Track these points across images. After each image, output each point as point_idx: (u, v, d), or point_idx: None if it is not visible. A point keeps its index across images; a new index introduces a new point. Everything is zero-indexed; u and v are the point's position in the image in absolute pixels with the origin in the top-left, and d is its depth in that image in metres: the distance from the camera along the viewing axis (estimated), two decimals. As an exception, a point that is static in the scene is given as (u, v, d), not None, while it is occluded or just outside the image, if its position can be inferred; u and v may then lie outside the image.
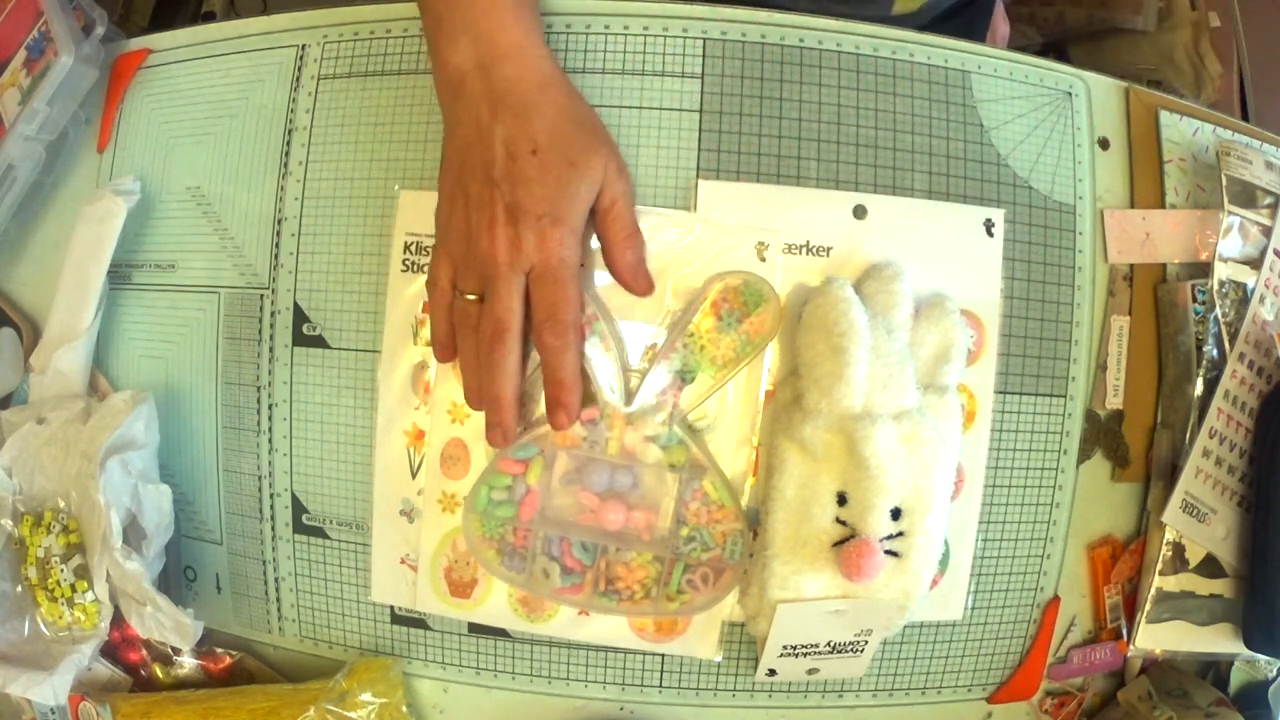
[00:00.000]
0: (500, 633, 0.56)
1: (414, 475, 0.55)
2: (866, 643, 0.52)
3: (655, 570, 0.52)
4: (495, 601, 0.55)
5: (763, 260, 0.52)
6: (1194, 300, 0.56)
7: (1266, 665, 0.61)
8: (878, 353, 0.48)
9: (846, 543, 0.48)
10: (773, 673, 0.53)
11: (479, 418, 0.52)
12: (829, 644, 0.52)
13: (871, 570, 0.47)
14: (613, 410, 0.51)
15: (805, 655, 0.52)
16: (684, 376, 0.51)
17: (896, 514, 0.49)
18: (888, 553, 0.48)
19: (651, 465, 0.51)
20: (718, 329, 0.51)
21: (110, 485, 0.53)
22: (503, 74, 0.47)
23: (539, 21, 0.51)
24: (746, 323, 0.51)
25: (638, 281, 0.51)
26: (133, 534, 0.54)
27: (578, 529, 0.52)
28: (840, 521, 0.49)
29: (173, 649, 0.59)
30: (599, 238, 0.51)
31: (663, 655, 0.56)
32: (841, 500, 0.49)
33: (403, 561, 0.55)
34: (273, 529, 0.58)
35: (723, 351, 0.51)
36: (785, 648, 0.51)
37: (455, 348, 0.50)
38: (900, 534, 0.49)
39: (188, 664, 0.59)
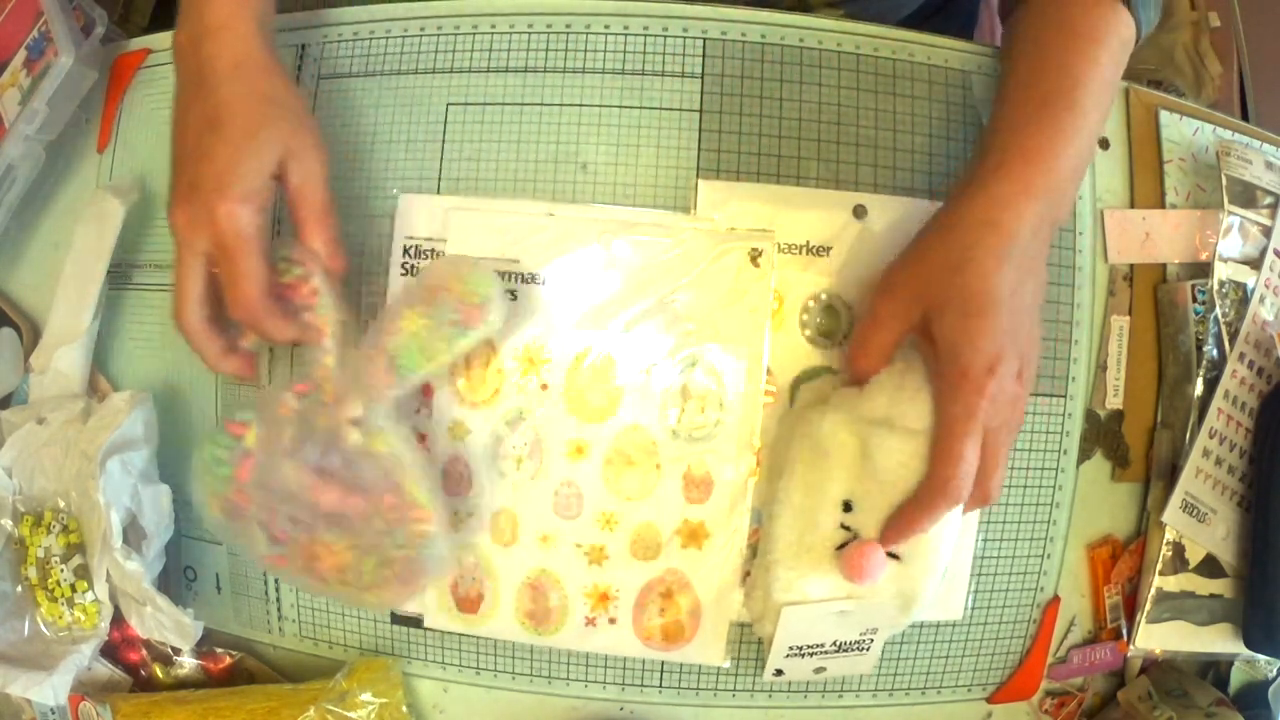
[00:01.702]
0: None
1: None
2: (872, 640, 0.52)
3: (352, 559, 0.49)
4: (503, 616, 0.54)
5: (756, 266, 0.52)
6: (1194, 300, 0.56)
7: (1266, 665, 0.61)
8: (910, 367, 0.48)
9: (848, 545, 0.49)
10: (780, 673, 0.53)
11: (480, 435, 0.53)
12: (835, 643, 0.52)
13: (873, 572, 0.48)
14: (326, 388, 0.49)
15: (812, 655, 0.52)
16: (394, 364, 0.48)
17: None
18: (889, 555, 0.48)
19: (356, 450, 0.48)
20: (430, 317, 0.48)
21: (110, 485, 0.53)
22: (206, 51, 0.47)
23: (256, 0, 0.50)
24: (460, 313, 0.48)
25: (332, 261, 0.50)
26: (132, 534, 0.54)
27: (288, 501, 0.49)
28: (844, 527, 0.49)
29: (173, 649, 0.59)
30: (290, 213, 0.49)
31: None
32: (847, 507, 0.49)
33: None
34: (273, 529, 0.58)
35: (434, 343, 0.48)
36: (792, 649, 0.51)
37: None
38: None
39: (188, 664, 0.59)
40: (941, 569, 0.50)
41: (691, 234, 0.53)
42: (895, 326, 0.47)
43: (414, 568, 0.49)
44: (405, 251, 0.55)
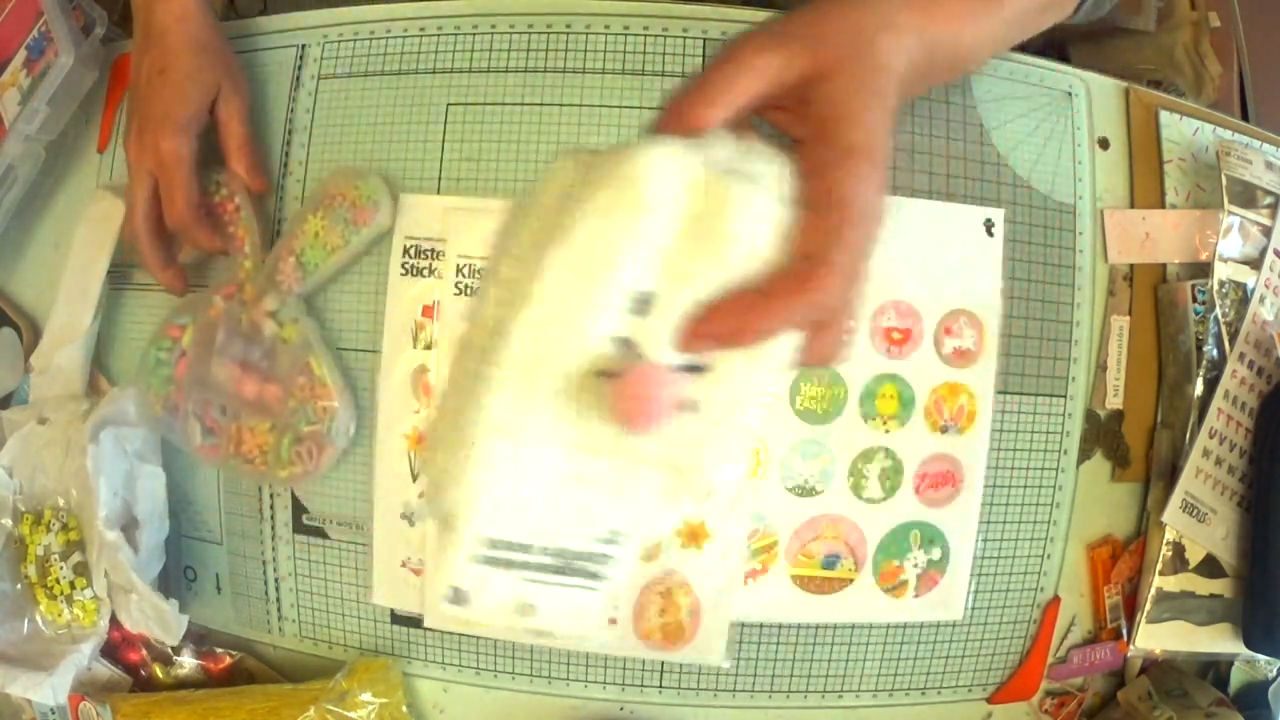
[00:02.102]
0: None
1: (414, 479, 0.55)
2: (608, 559, 0.35)
3: (272, 439, 0.55)
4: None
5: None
6: (1194, 300, 0.56)
7: (1266, 665, 0.61)
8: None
9: (625, 369, 0.32)
10: (459, 596, 0.35)
11: None
12: (551, 552, 0.35)
13: (657, 412, 0.31)
14: (247, 289, 0.56)
15: (514, 567, 0.35)
16: (300, 261, 0.55)
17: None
18: (680, 400, 0.32)
19: (271, 339, 0.55)
20: (328, 219, 0.54)
21: (102, 455, 0.53)
22: (155, 12, 0.55)
23: None
24: (353, 214, 0.54)
25: (253, 182, 0.56)
26: (129, 525, 0.54)
27: (219, 394, 0.56)
28: (622, 342, 0.32)
29: (172, 649, 0.59)
30: (219, 143, 0.56)
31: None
32: (641, 305, 0.32)
33: (404, 565, 0.55)
34: (273, 529, 0.58)
35: (332, 239, 0.54)
36: (486, 542, 0.34)
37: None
38: (701, 368, 0.33)
39: (188, 664, 0.59)
40: (739, 445, 0.35)
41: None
42: (764, 78, 0.36)
43: (322, 442, 0.54)
44: (405, 251, 0.55)
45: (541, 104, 0.54)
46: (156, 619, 0.54)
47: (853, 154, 0.35)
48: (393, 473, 0.55)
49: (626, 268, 0.31)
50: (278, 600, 0.58)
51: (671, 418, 0.32)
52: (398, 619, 0.57)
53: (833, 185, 0.34)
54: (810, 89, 0.37)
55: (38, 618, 0.57)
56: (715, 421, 0.33)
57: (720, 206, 0.31)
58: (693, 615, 0.54)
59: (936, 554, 0.55)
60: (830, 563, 0.54)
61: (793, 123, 0.39)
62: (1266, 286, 0.57)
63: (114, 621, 0.55)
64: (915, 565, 0.55)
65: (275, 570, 0.58)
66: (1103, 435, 0.57)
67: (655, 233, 0.31)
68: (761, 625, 0.55)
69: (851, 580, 0.54)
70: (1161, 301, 0.57)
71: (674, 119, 0.36)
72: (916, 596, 0.55)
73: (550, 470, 0.34)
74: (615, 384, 0.32)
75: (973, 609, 0.56)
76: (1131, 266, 0.57)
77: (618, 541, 0.36)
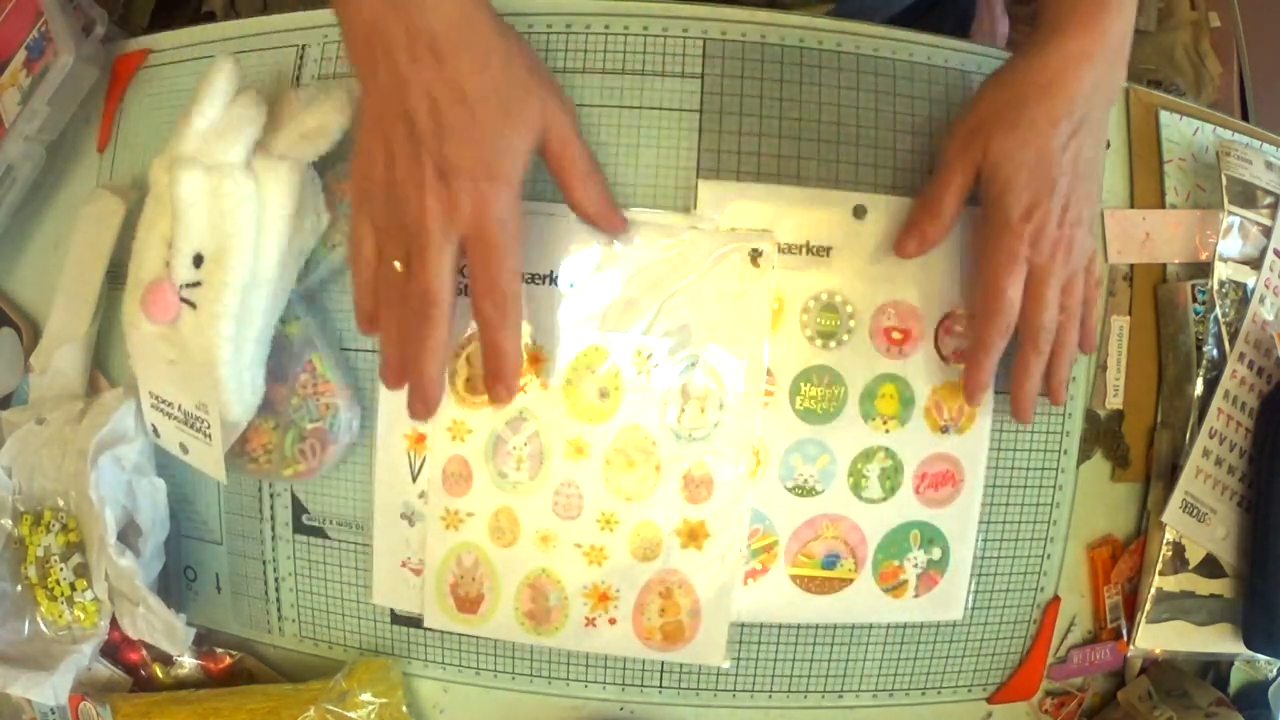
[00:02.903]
0: (500, 633, 0.56)
1: (414, 479, 0.55)
2: (208, 424, 0.51)
3: (275, 437, 0.54)
4: (503, 616, 0.54)
5: (756, 266, 0.52)
6: (1194, 300, 0.56)
7: (1266, 665, 0.61)
8: (231, 109, 0.50)
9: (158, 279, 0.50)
10: (156, 432, 0.55)
11: (480, 435, 0.53)
12: (181, 409, 0.52)
13: (159, 312, 0.50)
14: None
15: (170, 417, 0.53)
16: (308, 261, 0.54)
17: (199, 261, 0.50)
18: (185, 301, 0.49)
19: (277, 337, 0.53)
20: (332, 213, 0.53)
21: (103, 482, 0.53)
22: (418, 12, 0.41)
23: None
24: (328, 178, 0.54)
25: (608, 221, 0.49)
26: (130, 532, 0.54)
27: None
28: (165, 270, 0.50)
29: (172, 649, 0.59)
30: (556, 183, 0.48)
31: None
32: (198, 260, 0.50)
33: (404, 565, 0.55)
34: (273, 529, 0.58)
35: (332, 235, 0.54)
36: (153, 396, 0.53)
37: (379, 320, 0.47)
38: (198, 284, 0.50)
39: (188, 664, 0.59)
40: (227, 330, 0.50)
41: (691, 234, 0.53)
42: (962, 174, 0.48)
43: (325, 439, 0.53)
44: None
45: (541, 104, 0.54)
46: (165, 632, 0.54)
47: (1007, 224, 0.47)
48: (393, 472, 0.55)
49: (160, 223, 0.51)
50: (278, 600, 0.59)
51: (182, 315, 0.50)
52: (398, 619, 0.57)
53: (989, 254, 0.48)
54: (982, 181, 0.48)
55: (38, 618, 0.57)
56: (210, 314, 0.49)
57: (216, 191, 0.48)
58: (693, 615, 0.54)
59: (937, 554, 0.55)
60: (830, 562, 0.54)
61: (982, 212, 0.49)
62: (1266, 286, 0.57)
63: (114, 622, 0.55)
64: (915, 565, 0.55)
65: (275, 570, 0.58)
66: (1103, 435, 0.57)
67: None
68: (761, 625, 0.55)
69: (851, 580, 0.54)
70: (1161, 301, 0.57)
71: (913, 236, 0.50)
72: (917, 596, 0.55)
73: (155, 339, 0.52)
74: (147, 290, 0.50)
75: (973, 609, 0.56)
76: (1131, 266, 0.57)
77: (206, 415, 0.51)
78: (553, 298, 0.53)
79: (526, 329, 0.52)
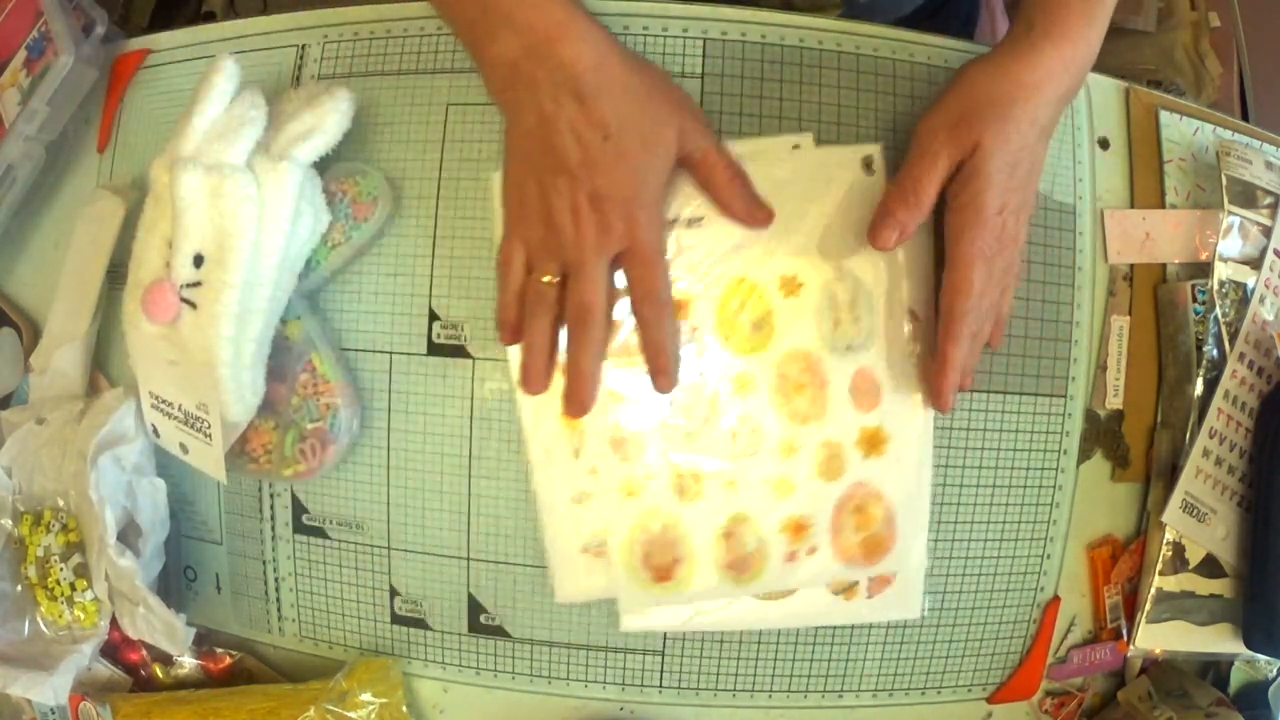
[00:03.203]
0: (500, 632, 0.56)
1: (578, 457, 0.53)
2: (209, 424, 0.52)
3: (275, 437, 0.54)
4: (704, 574, 0.53)
5: (871, 172, 0.52)
6: (1194, 300, 0.56)
7: (1266, 665, 0.61)
8: (231, 109, 0.51)
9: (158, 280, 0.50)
10: (156, 432, 0.55)
11: (637, 395, 0.52)
12: (181, 409, 0.53)
13: (159, 312, 0.49)
14: None
15: (170, 417, 0.53)
16: (308, 261, 0.54)
17: (200, 262, 0.50)
18: (185, 301, 0.50)
19: (278, 338, 0.53)
20: (330, 215, 0.54)
21: (103, 482, 0.53)
22: (556, 58, 0.46)
23: None
24: (354, 209, 0.54)
25: (755, 218, 0.51)
26: (131, 532, 0.54)
27: None
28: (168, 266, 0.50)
29: (172, 649, 0.59)
30: (702, 189, 0.51)
31: (663, 655, 0.56)
32: (199, 260, 0.50)
33: (585, 551, 0.54)
34: (273, 529, 0.58)
35: (333, 235, 0.54)
36: (153, 396, 0.53)
37: (521, 330, 0.50)
38: (199, 284, 0.50)
39: (188, 664, 0.59)
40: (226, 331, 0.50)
41: (801, 155, 0.53)
42: (945, 161, 0.49)
43: (324, 438, 0.53)
44: None
45: (541, 104, 0.54)
46: (165, 632, 0.54)
47: (982, 217, 0.48)
48: (552, 458, 0.53)
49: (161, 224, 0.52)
50: (278, 600, 0.59)
51: (183, 316, 0.50)
52: (398, 619, 0.57)
53: (960, 245, 0.48)
54: (965, 163, 0.48)
55: (38, 619, 0.57)
56: (211, 315, 0.49)
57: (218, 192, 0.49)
58: (888, 523, 0.53)
59: None
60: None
61: (949, 185, 0.49)
62: (1266, 286, 0.57)
63: (114, 622, 0.55)
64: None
65: (275, 570, 0.58)
66: (1103, 435, 0.57)
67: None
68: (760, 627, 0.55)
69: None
70: (1161, 301, 0.57)
71: (891, 227, 0.49)
72: (870, 597, 0.55)
73: (153, 340, 0.52)
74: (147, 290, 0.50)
75: (973, 609, 0.56)
76: (1131, 266, 0.57)
77: (207, 415, 0.52)
78: (689, 238, 0.52)
79: (671, 276, 0.52)
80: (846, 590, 0.55)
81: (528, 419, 0.54)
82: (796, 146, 0.53)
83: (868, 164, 0.53)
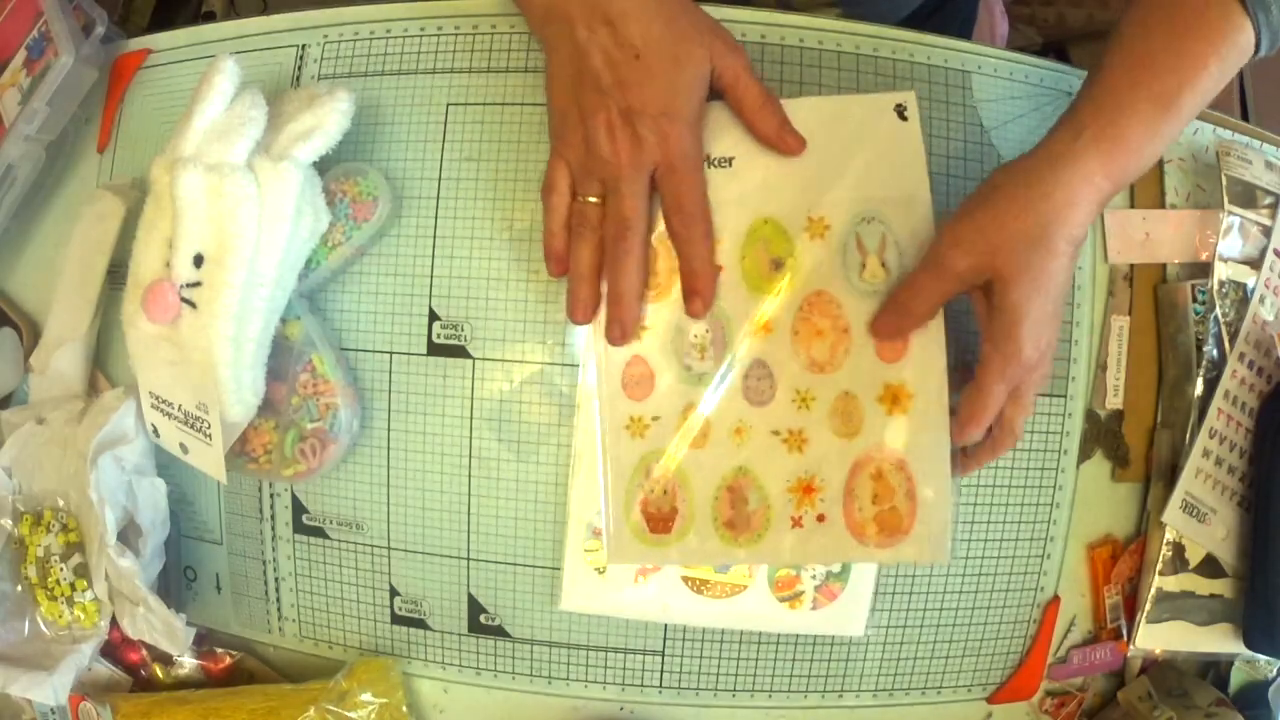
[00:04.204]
0: (500, 632, 0.56)
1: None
2: (209, 425, 0.51)
3: (275, 437, 0.54)
4: (700, 530, 0.51)
5: (905, 119, 0.52)
6: (1194, 300, 0.56)
7: (1266, 665, 0.61)
8: (232, 109, 0.50)
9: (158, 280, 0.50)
10: (156, 432, 0.55)
11: (659, 329, 0.51)
12: (181, 409, 0.52)
13: (159, 312, 0.49)
14: None
15: (170, 417, 0.53)
16: (308, 261, 0.54)
17: (200, 262, 0.50)
18: (185, 301, 0.50)
19: (278, 338, 0.53)
20: (332, 214, 0.54)
21: (103, 482, 0.53)
22: None
23: None
24: (354, 209, 0.54)
25: (786, 143, 0.51)
26: (132, 532, 0.54)
27: None
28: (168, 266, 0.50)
29: (172, 649, 0.59)
30: (735, 113, 0.51)
31: (663, 655, 0.56)
32: (199, 260, 0.50)
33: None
34: (273, 529, 0.58)
35: (333, 235, 0.54)
36: (153, 396, 0.53)
37: (568, 258, 0.51)
38: (199, 284, 0.50)
39: (188, 664, 0.59)
40: (226, 329, 0.50)
41: (836, 102, 0.53)
42: (957, 284, 0.47)
43: (324, 438, 0.53)
44: None
45: (541, 104, 0.54)
46: (165, 632, 0.54)
47: (1019, 350, 0.46)
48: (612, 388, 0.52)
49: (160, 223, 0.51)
50: (278, 600, 0.59)
51: (182, 315, 0.50)
52: (398, 619, 0.57)
53: (990, 366, 0.47)
54: (993, 288, 0.46)
55: (38, 619, 0.57)
56: (211, 316, 0.49)
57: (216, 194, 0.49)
58: (910, 498, 0.50)
59: (837, 566, 0.53)
60: (723, 566, 0.53)
61: (977, 300, 0.48)
62: (1266, 286, 0.57)
63: (114, 622, 0.55)
64: (814, 577, 0.54)
65: (275, 570, 0.58)
66: (1103, 435, 0.57)
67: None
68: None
69: (746, 586, 0.54)
70: (1161, 301, 0.57)
71: (893, 326, 0.49)
72: (814, 609, 0.54)
73: (151, 341, 0.52)
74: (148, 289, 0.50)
75: (973, 609, 0.56)
76: (1131, 266, 0.57)
77: (206, 415, 0.52)
78: (718, 178, 0.51)
79: None
80: (792, 599, 0.54)
81: (599, 351, 0.52)
82: None
83: (900, 111, 0.52)
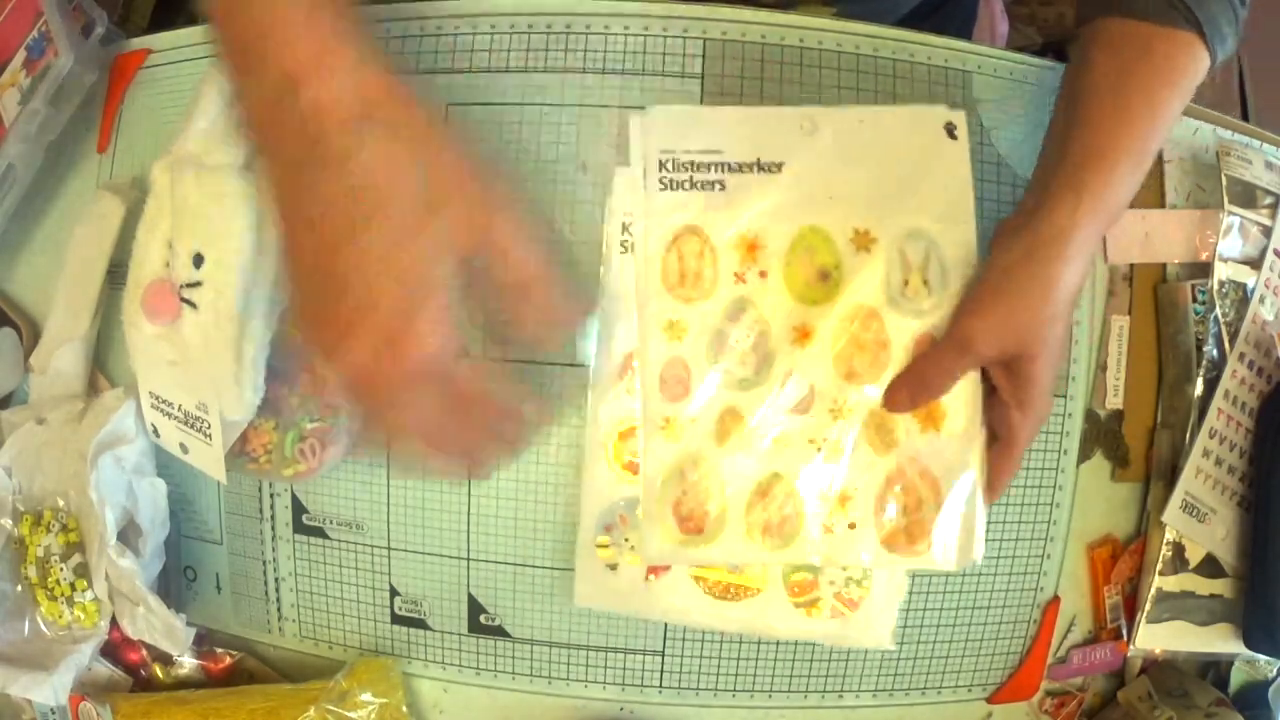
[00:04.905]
0: (500, 632, 0.56)
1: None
2: (209, 424, 0.51)
3: (275, 437, 0.53)
4: (733, 532, 0.50)
5: (954, 139, 0.51)
6: (1194, 300, 0.56)
7: (1266, 665, 0.61)
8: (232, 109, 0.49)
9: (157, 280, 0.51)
10: (155, 432, 0.55)
11: (697, 331, 0.50)
12: (181, 409, 0.53)
13: (159, 312, 0.50)
14: None
15: (170, 417, 0.54)
16: None
17: (200, 262, 0.49)
18: (185, 301, 0.49)
19: (277, 338, 0.52)
20: None
21: (103, 482, 0.53)
22: (307, 106, 0.35)
23: (353, 18, 0.37)
24: None
25: (548, 345, 0.48)
26: (132, 532, 0.54)
27: None
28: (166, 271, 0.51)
29: (172, 649, 0.59)
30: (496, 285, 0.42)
31: (663, 655, 0.56)
32: (198, 260, 0.50)
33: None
34: (273, 529, 0.58)
35: None
36: (153, 396, 0.54)
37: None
38: (199, 284, 0.49)
39: (188, 664, 0.59)
40: (227, 325, 0.49)
41: (882, 114, 0.52)
42: (979, 364, 0.49)
43: (325, 439, 0.53)
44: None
45: (541, 104, 0.54)
46: (165, 632, 0.54)
47: (1038, 411, 0.49)
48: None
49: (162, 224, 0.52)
50: (278, 600, 0.59)
51: (182, 315, 0.50)
52: (398, 619, 0.57)
53: (1017, 429, 0.49)
54: (1014, 363, 0.48)
55: (38, 618, 0.57)
56: (208, 312, 0.49)
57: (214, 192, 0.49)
58: (935, 509, 0.50)
59: (858, 572, 0.53)
60: (735, 566, 0.53)
61: (998, 375, 0.49)
62: (1266, 286, 0.57)
63: (114, 622, 0.55)
64: (831, 583, 0.53)
65: (275, 570, 0.58)
66: (1103, 435, 0.57)
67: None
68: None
69: (760, 590, 0.53)
70: (1161, 301, 0.57)
71: (908, 398, 0.50)
72: (832, 617, 0.53)
73: (151, 340, 0.52)
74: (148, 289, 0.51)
75: (973, 608, 0.56)
76: (1131, 266, 0.57)
77: (206, 415, 0.52)
78: (765, 185, 0.51)
79: (743, 216, 0.51)
80: (807, 605, 0.53)
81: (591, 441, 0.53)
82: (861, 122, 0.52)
83: (951, 130, 0.51)
